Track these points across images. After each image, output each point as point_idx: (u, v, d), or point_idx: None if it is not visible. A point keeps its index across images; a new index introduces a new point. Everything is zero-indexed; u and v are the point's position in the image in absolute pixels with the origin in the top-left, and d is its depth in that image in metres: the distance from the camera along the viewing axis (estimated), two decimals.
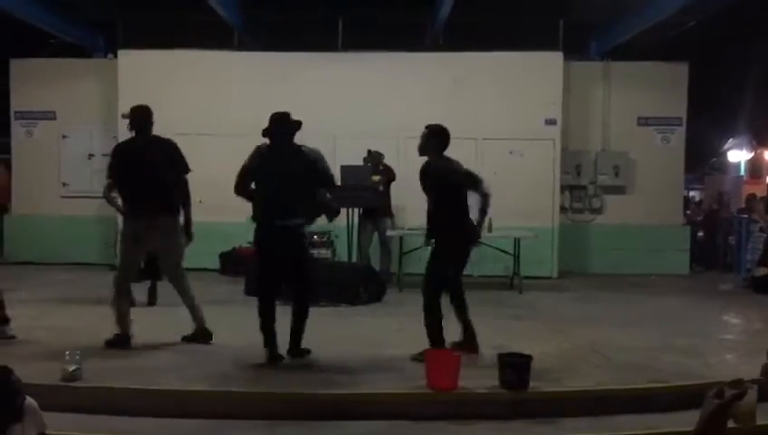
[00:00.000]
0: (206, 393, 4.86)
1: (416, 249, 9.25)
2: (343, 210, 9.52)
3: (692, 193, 19.05)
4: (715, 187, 15.99)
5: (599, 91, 11.83)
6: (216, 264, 10.72)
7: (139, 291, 7.72)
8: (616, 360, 5.84)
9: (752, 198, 12.55)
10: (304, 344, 5.66)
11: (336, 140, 10.68)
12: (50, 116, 11.99)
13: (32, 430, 3.24)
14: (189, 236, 6.13)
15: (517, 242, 9.60)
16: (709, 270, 12.20)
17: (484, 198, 5.83)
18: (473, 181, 5.85)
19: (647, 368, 5.56)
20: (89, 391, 4.82)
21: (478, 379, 5.09)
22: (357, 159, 9.88)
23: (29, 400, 3.30)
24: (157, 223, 5.93)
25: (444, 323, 5.70)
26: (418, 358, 5.39)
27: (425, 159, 5.87)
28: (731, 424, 2.02)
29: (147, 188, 5.95)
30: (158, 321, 6.98)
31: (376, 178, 9.64)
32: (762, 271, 9.93)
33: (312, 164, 5.57)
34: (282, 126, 5.58)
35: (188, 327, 6.20)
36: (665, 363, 5.71)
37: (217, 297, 8.63)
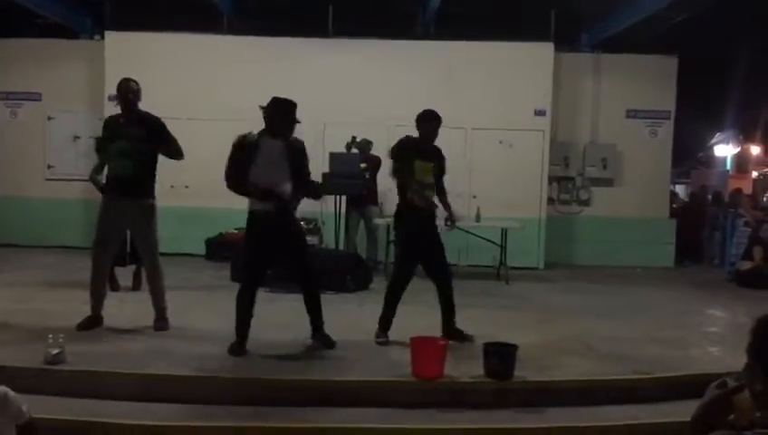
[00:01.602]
0: (190, 378, 4.83)
1: None
2: (331, 198, 9.55)
3: (677, 187, 19.15)
4: (701, 181, 16.09)
5: (588, 82, 11.84)
6: (201, 249, 10.66)
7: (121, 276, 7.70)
8: (601, 351, 5.86)
9: (737, 192, 12.63)
10: (299, 332, 5.67)
11: (325, 127, 10.65)
12: (35, 97, 11.85)
13: (2, 422, 3.01)
14: None
15: (504, 232, 9.60)
16: (693, 263, 12.29)
17: None
18: None
19: (631, 359, 5.59)
20: (72, 374, 4.78)
21: (464, 368, 5.10)
22: (344, 148, 9.83)
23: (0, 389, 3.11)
24: None
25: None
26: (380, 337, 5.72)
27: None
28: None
29: None
30: (143, 305, 6.92)
31: (363, 165, 9.62)
32: (746, 265, 10.00)
33: (301, 155, 5.58)
34: (290, 116, 5.51)
35: (172, 311, 6.17)
36: (649, 355, 5.73)
37: (203, 283, 8.61)
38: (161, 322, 6.04)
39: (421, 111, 5.97)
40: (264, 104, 5.51)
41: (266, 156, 5.41)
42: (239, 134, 5.48)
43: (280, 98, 5.51)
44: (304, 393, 4.76)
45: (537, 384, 4.98)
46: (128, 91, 5.84)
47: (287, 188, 5.48)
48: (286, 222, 5.55)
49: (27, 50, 11.87)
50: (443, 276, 5.93)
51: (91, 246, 6.04)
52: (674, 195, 16.00)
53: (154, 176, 5.95)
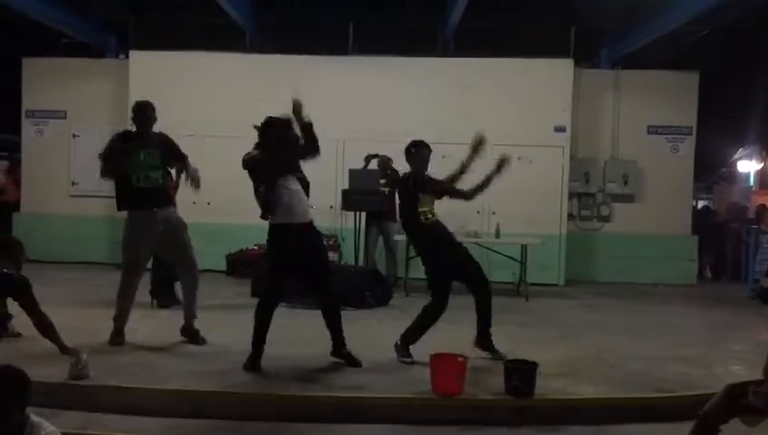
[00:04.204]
0: (211, 394, 4.87)
1: None
2: (350, 214, 9.60)
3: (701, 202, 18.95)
4: (724, 197, 15.92)
5: (609, 99, 11.81)
6: (222, 265, 10.73)
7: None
8: (622, 368, 5.82)
9: (762, 208, 12.50)
10: (318, 348, 5.70)
11: (345, 144, 10.72)
12: (60, 115, 12.06)
13: None
14: None
15: (524, 249, 9.58)
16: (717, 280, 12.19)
17: None
18: None
19: (653, 377, 5.54)
20: (95, 389, 4.84)
21: (484, 385, 5.09)
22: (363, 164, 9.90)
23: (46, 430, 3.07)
24: None
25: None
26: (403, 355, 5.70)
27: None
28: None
29: None
30: (165, 321, 7.00)
31: (382, 181, 9.66)
32: None
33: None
34: (286, 132, 5.57)
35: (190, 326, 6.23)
36: (671, 373, 5.68)
37: (224, 299, 8.66)
38: (195, 336, 6.16)
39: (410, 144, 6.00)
40: (259, 124, 5.55)
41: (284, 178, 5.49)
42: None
43: (275, 118, 5.51)
44: (322, 409, 4.77)
45: (558, 402, 4.95)
46: (152, 113, 6.11)
47: (305, 202, 5.59)
48: (314, 236, 5.62)
49: (53, 69, 12.10)
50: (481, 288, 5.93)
51: (124, 263, 6.16)
52: (709, 210, 15.81)
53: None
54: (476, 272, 5.95)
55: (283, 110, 5.46)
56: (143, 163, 5.96)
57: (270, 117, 5.51)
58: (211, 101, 11.14)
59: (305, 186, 5.69)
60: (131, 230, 6.01)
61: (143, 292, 7.71)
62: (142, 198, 5.95)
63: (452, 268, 5.85)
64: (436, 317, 5.78)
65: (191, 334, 6.16)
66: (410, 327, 5.84)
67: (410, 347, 5.81)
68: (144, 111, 6.10)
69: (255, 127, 5.55)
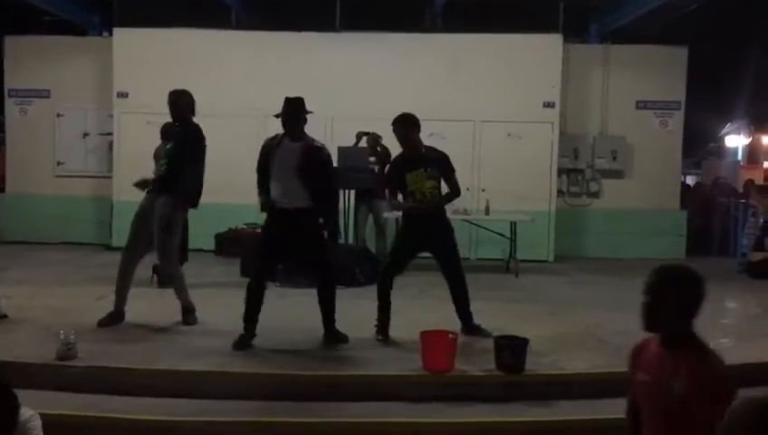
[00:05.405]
0: (202, 374, 4.85)
1: None
2: (340, 192, 9.53)
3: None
4: (712, 172, 15.99)
5: (598, 74, 11.75)
6: (211, 244, 10.67)
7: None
8: (612, 343, 5.83)
9: (750, 183, 12.56)
10: (309, 327, 5.68)
11: (333, 122, 10.63)
12: (44, 94, 11.87)
13: None
14: None
15: (514, 225, 9.58)
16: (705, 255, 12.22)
17: None
18: None
19: None
20: (84, 370, 4.81)
21: (474, 361, 5.10)
22: (353, 141, 9.83)
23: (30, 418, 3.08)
24: None
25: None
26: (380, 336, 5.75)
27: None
28: None
29: None
30: (158, 302, 6.96)
31: (372, 159, 9.61)
32: (758, 256, 9.93)
33: (319, 159, 5.55)
34: (297, 110, 5.53)
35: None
36: None
37: (213, 278, 8.63)
38: (186, 316, 6.14)
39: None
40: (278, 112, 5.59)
41: (281, 158, 5.47)
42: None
43: (288, 97, 5.55)
44: (314, 388, 4.77)
45: (548, 377, 4.97)
46: (181, 100, 6.19)
47: (298, 189, 5.47)
48: (299, 222, 5.51)
49: (36, 47, 11.89)
50: (448, 274, 5.93)
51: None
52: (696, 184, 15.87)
53: (179, 177, 6.02)
54: (451, 262, 5.92)
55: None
56: (166, 153, 6.22)
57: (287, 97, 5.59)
58: (196, 79, 10.94)
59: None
60: (137, 210, 6.14)
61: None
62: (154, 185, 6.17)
63: (408, 249, 5.94)
64: (383, 281, 5.91)
65: (184, 314, 6.13)
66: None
67: (404, 325, 5.83)
68: (171, 100, 6.16)
69: (276, 116, 5.58)
